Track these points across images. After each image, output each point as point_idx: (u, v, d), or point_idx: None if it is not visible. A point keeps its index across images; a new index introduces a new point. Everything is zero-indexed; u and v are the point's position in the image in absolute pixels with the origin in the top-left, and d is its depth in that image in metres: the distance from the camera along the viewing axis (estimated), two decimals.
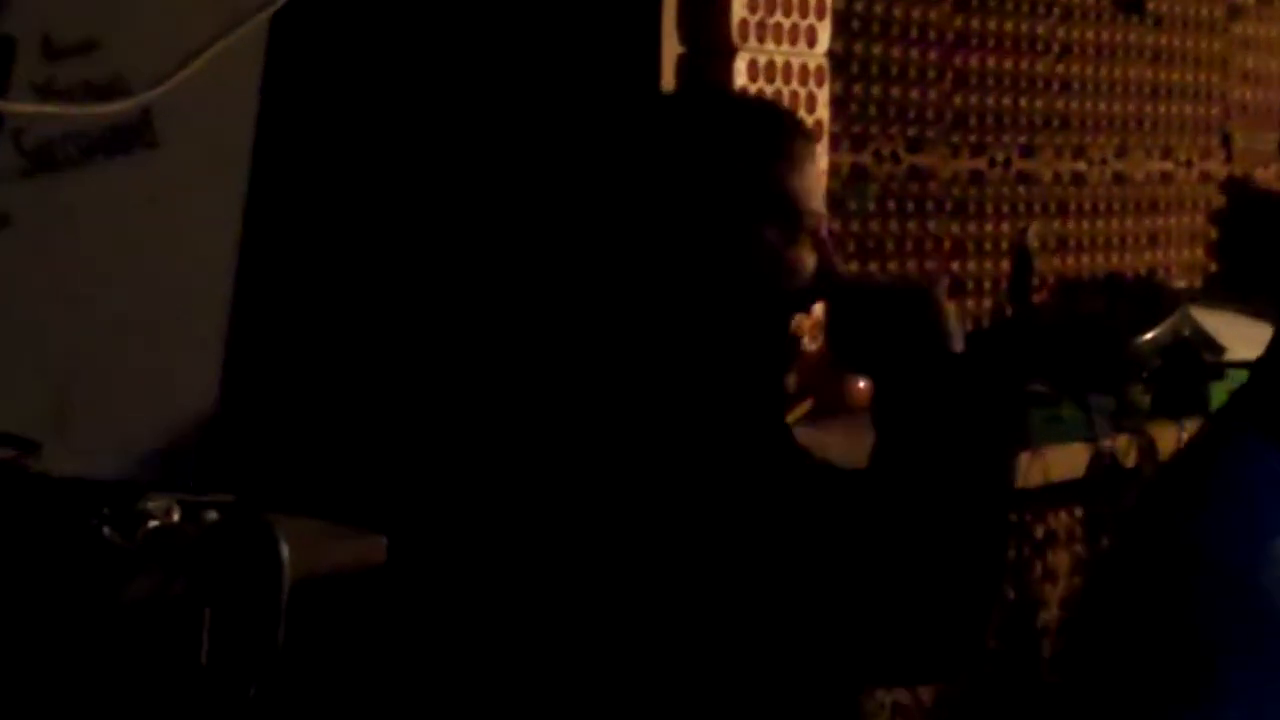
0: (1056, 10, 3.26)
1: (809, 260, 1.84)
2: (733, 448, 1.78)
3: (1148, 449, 2.96)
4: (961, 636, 1.79)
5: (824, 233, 1.87)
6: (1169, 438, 2.98)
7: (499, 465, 1.81)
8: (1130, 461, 2.94)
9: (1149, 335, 3.04)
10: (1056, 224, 3.30)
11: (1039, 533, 3.10)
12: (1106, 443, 2.91)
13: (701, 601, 1.71)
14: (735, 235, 1.81)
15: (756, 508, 1.73)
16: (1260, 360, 1.91)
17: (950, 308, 1.84)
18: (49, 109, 1.80)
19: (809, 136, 1.98)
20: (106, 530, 1.56)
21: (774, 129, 1.91)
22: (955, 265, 3.09)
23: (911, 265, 3.01)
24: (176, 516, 1.62)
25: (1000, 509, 1.82)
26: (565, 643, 1.76)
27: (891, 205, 2.98)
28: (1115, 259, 3.42)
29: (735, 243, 1.81)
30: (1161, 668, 1.69)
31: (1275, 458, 1.72)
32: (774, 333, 1.85)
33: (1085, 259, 3.36)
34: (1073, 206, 3.34)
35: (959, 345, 1.80)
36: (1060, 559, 3.15)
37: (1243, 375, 3.10)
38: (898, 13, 2.96)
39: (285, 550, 1.62)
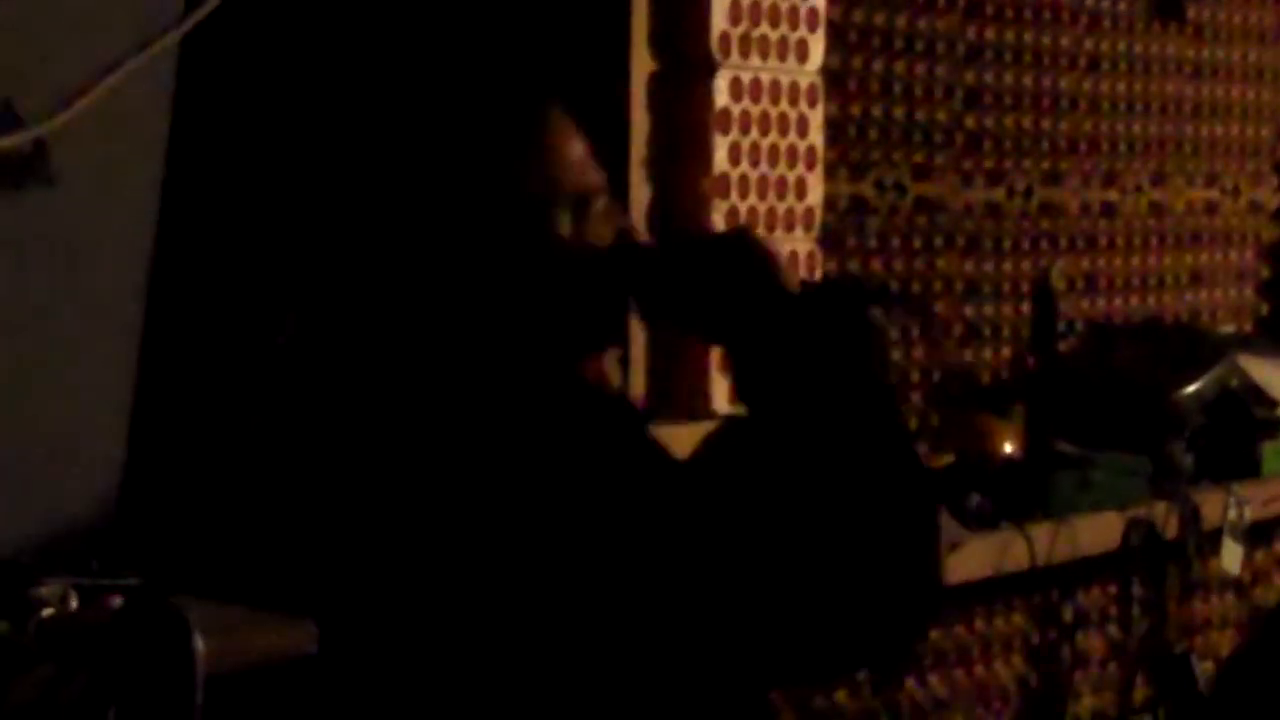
0: (1083, 19, 3.23)
1: (599, 235, 1.87)
2: (544, 439, 1.79)
3: (1191, 517, 2.93)
4: (894, 605, 1.72)
5: (603, 202, 1.87)
6: (1215, 504, 2.99)
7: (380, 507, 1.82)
8: (1171, 532, 2.92)
9: (1191, 388, 3.02)
10: (1085, 261, 3.27)
11: (1067, 614, 3.06)
12: (1143, 511, 2.87)
13: (559, 606, 1.72)
14: (511, 228, 1.84)
15: (580, 498, 1.75)
16: None
17: (773, 248, 1.83)
18: None
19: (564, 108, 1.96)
20: None
21: (524, 114, 1.89)
22: (969, 309, 3.04)
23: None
24: (74, 604, 1.63)
25: (897, 442, 1.77)
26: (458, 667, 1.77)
27: (896, 241, 2.92)
28: (1153, 300, 3.38)
29: (512, 237, 1.84)
30: None
31: None
32: (581, 315, 1.86)
33: (1118, 301, 3.33)
34: (1103, 241, 3.30)
35: (794, 284, 1.80)
36: (1093, 642, 3.12)
37: None
38: (901, 23, 2.93)
39: (200, 640, 1.62)
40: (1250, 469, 3.05)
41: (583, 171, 1.88)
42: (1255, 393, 3.08)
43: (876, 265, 2.91)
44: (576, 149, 1.90)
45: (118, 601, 1.63)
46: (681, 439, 1.98)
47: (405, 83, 2.15)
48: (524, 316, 1.84)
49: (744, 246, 1.82)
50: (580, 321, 1.86)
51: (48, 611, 1.58)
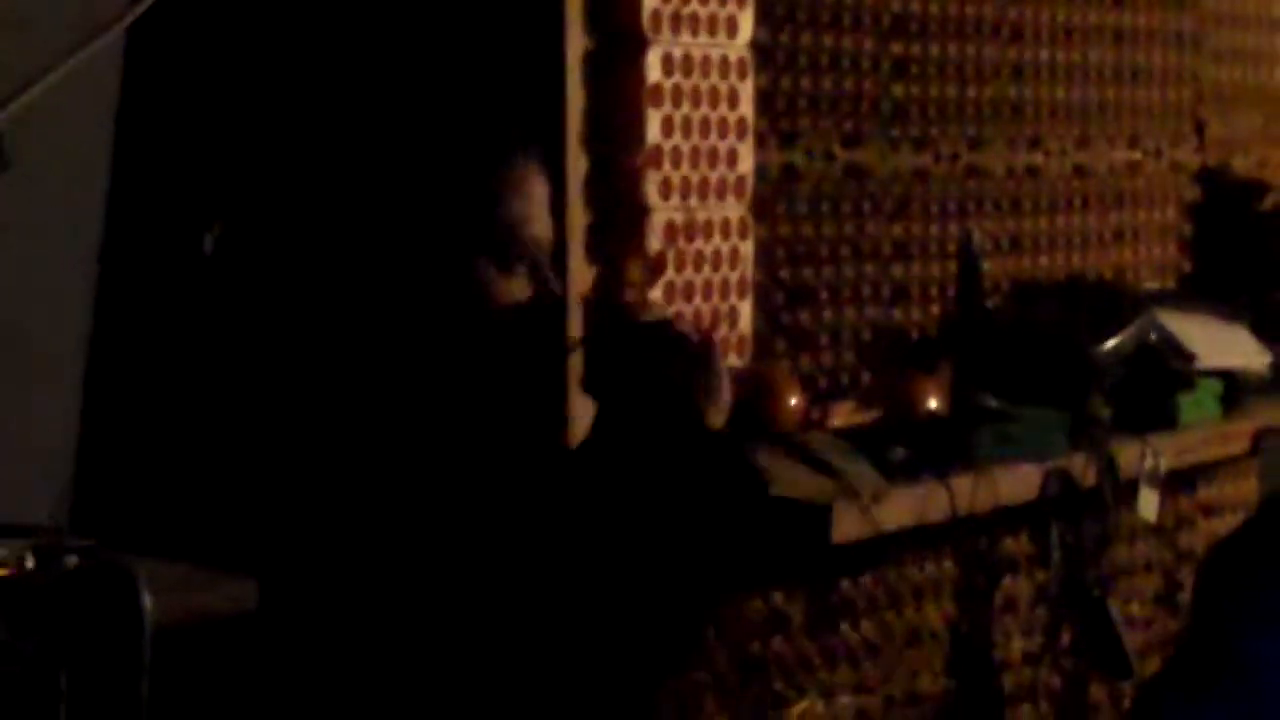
0: None
1: (519, 290, 2.04)
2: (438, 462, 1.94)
3: (1107, 467, 2.96)
4: None
5: (540, 259, 2.04)
6: (1131, 455, 3.03)
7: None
8: (1088, 481, 2.95)
9: (1110, 343, 3.05)
10: (1010, 223, 3.30)
11: (993, 560, 3.10)
12: (1062, 462, 2.91)
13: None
14: (446, 267, 2.02)
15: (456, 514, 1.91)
16: None
17: (718, 358, 2.07)
18: None
19: (531, 156, 2.12)
20: None
21: (491, 152, 2.07)
22: (897, 270, 3.08)
23: (849, 271, 3.00)
24: (30, 564, 1.62)
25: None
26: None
27: (825, 207, 2.95)
28: (1076, 259, 3.41)
29: (446, 275, 2.02)
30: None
31: None
32: (491, 358, 2.03)
33: (1043, 260, 3.36)
34: (1028, 204, 3.34)
35: (718, 417, 2.05)
36: (1020, 587, 3.16)
37: (1214, 383, 3.17)
38: None
39: (147, 597, 1.63)
40: (1167, 421, 3.08)
41: (534, 220, 2.05)
42: (1174, 347, 3.13)
43: (807, 230, 2.92)
44: (538, 194, 2.07)
45: (72, 560, 1.62)
46: None
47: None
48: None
49: (682, 350, 2.04)
50: (483, 359, 2.03)
51: (3, 571, 1.58)
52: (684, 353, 2.06)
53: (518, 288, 2.05)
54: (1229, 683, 1.79)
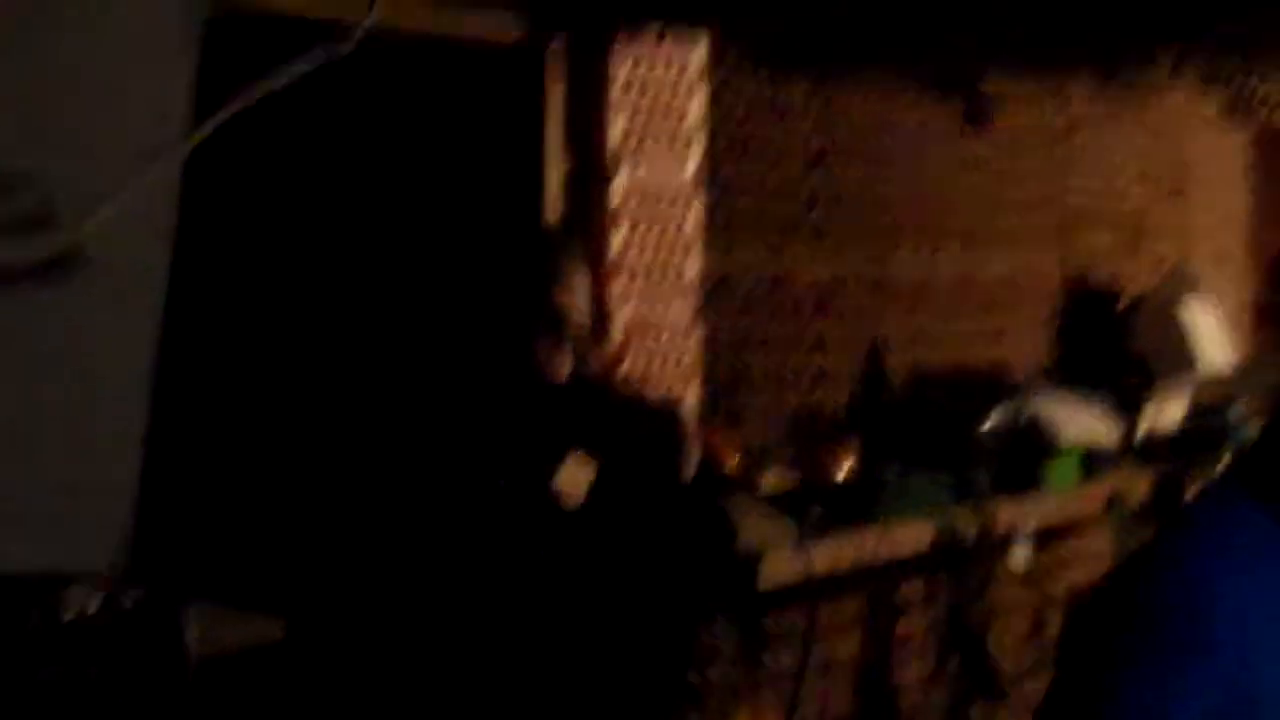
0: (909, 128, 3.25)
1: (566, 364, 2.04)
2: (469, 528, 1.96)
3: (986, 525, 2.99)
4: None
5: (584, 341, 2.06)
6: (1007, 514, 3.05)
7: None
8: (971, 535, 2.97)
9: (990, 422, 3.09)
10: (911, 323, 3.29)
11: (892, 601, 3.14)
12: (949, 519, 2.94)
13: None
14: (508, 345, 2.03)
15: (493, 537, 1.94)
16: (1260, 434, 1.96)
17: (687, 430, 2.09)
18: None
19: (580, 260, 2.14)
20: (29, 619, 1.54)
21: (549, 256, 2.07)
22: (816, 360, 3.08)
23: (776, 360, 3.01)
24: (93, 606, 1.59)
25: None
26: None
27: (760, 304, 2.95)
28: (963, 353, 3.41)
29: (507, 351, 2.02)
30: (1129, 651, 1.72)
31: (1263, 518, 1.78)
32: (538, 416, 2.03)
33: (935, 353, 3.35)
34: (924, 303, 3.32)
35: (688, 470, 2.09)
36: (914, 623, 3.19)
37: (1075, 454, 3.25)
38: (763, 133, 2.93)
39: (193, 633, 1.63)
40: (1035, 483, 3.10)
41: (579, 309, 2.07)
42: (1040, 426, 3.15)
43: (745, 324, 2.91)
44: (577, 291, 2.08)
45: (129, 602, 1.60)
46: None
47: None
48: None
49: (667, 423, 2.09)
50: (539, 430, 2.06)
51: (71, 612, 1.55)
52: (667, 422, 2.12)
53: (565, 362, 2.07)
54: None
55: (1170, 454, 3.35)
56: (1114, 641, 1.79)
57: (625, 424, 2.09)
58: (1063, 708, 1.81)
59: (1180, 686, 1.73)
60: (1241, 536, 1.84)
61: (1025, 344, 3.61)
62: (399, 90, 2.58)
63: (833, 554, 2.70)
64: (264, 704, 1.98)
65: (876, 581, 3.07)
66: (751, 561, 2.53)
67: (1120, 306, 3.69)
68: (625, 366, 2.63)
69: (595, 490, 2.07)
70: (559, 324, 2.04)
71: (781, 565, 2.57)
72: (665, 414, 2.12)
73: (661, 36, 2.62)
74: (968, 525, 2.96)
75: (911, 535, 2.87)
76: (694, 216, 2.73)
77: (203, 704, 1.62)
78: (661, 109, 2.65)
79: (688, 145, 2.71)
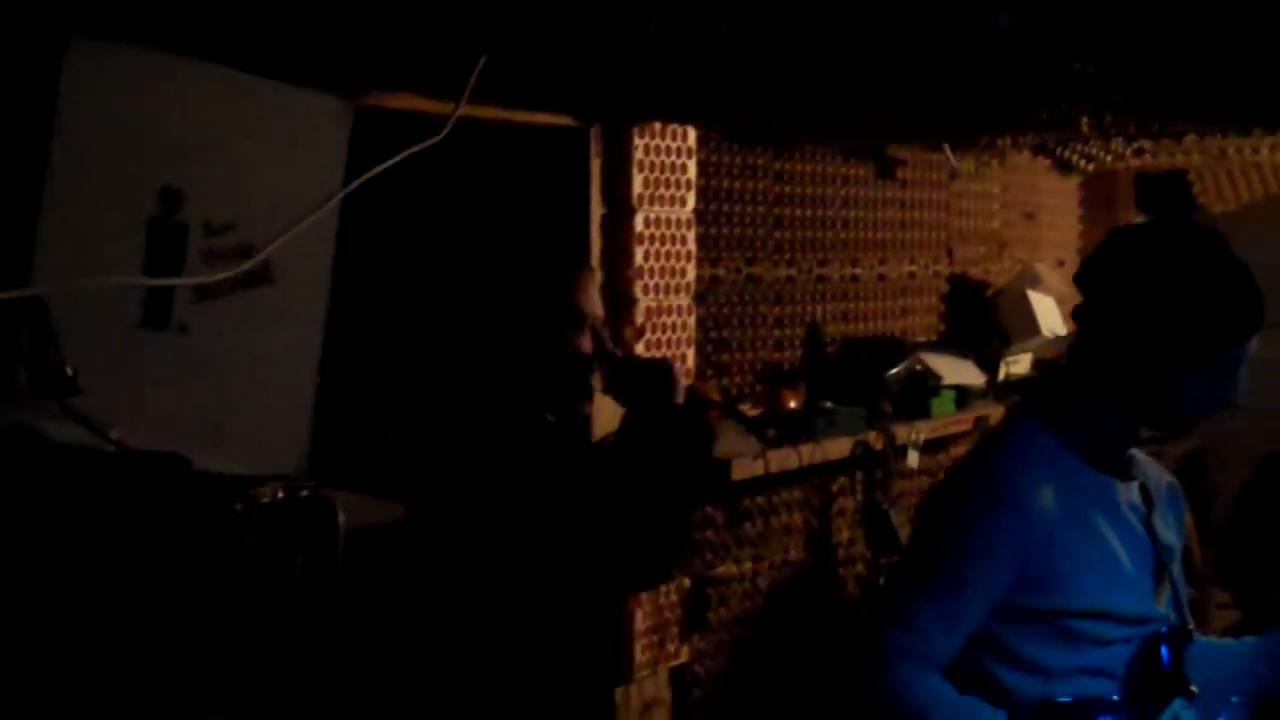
0: (839, 180, 3.23)
1: (588, 344, 1.94)
2: (531, 446, 1.87)
3: (890, 439, 2.97)
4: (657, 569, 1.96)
5: (600, 326, 1.95)
6: (903, 433, 3.02)
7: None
8: (879, 447, 2.95)
9: (894, 370, 3.06)
10: (842, 306, 3.26)
11: (829, 490, 3.11)
12: (863, 436, 2.92)
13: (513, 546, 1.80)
14: (547, 333, 1.92)
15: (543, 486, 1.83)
16: (1044, 374, 1.93)
17: (678, 373, 1.93)
18: (211, 273, 1.72)
19: (593, 271, 2.07)
20: (237, 506, 1.48)
21: (570, 273, 1.98)
22: (775, 332, 3.05)
23: (749, 333, 2.97)
24: (280, 495, 1.52)
25: (679, 501, 1.90)
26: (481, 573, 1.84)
27: (737, 297, 2.94)
28: (879, 326, 3.38)
29: (546, 337, 1.92)
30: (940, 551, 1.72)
31: (1043, 428, 1.77)
32: (573, 385, 1.93)
33: (859, 326, 3.32)
34: (851, 295, 3.29)
35: (680, 398, 1.91)
36: (845, 504, 3.17)
37: (951, 392, 3.20)
38: (737, 185, 2.91)
39: (341, 516, 1.54)
40: (924, 413, 3.08)
41: (595, 305, 1.97)
42: (929, 373, 3.13)
43: (727, 310, 2.87)
44: (595, 290, 2.00)
45: (304, 494, 1.47)
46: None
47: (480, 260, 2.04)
48: (543, 379, 1.91)
49: (662, 370, 1.94)
50: (573, 383, 1.94)
51: (264, 500, 1.43)
52: (660, 369, 1.99)
53: (586, 342, 1.96)
54: (931, 565, 1.75)
55: (1018, 392, 3.26)
56: (953, 500, 1.79)
57: (641, 376, 1.97)
58: (924, 534, 1.83)
59: (997, 524, 1.71)
60: (1029, 440, 1.82)
61: (923, 321, 3.55)
62: (490, 161, 2.56)
63: (783, 459, 2.69)
64: (390, 568, 1.90)
65: (819, 477, 3.05)
66: (726, 463, 2.52)
67: (988, 294, 3.63)
68: (645, 338, 2.61)
69: (623, 423, 1.99)
70: (579, 316, 1.95)
71: (747, 466, 2.56)
72: (664, 368, 1.98)
73: (665, 124, 2.60)
74: (876, 440, 2.93)
75: (837, 448, 2.85)
76: (691, 240, 2.70)
77: (349, 564, 1.53)
78: (667, 170, 2.62)
79: (686, 193, 2.68)
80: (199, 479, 1.44)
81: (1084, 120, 2.38)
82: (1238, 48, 1.74)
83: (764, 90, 2.10)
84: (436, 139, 1.96)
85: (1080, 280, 1.87)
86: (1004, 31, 1.65)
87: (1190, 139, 2.83)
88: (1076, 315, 1.90)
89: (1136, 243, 1.84)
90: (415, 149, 1.93)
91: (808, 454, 2.73)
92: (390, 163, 1.92)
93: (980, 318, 3.51)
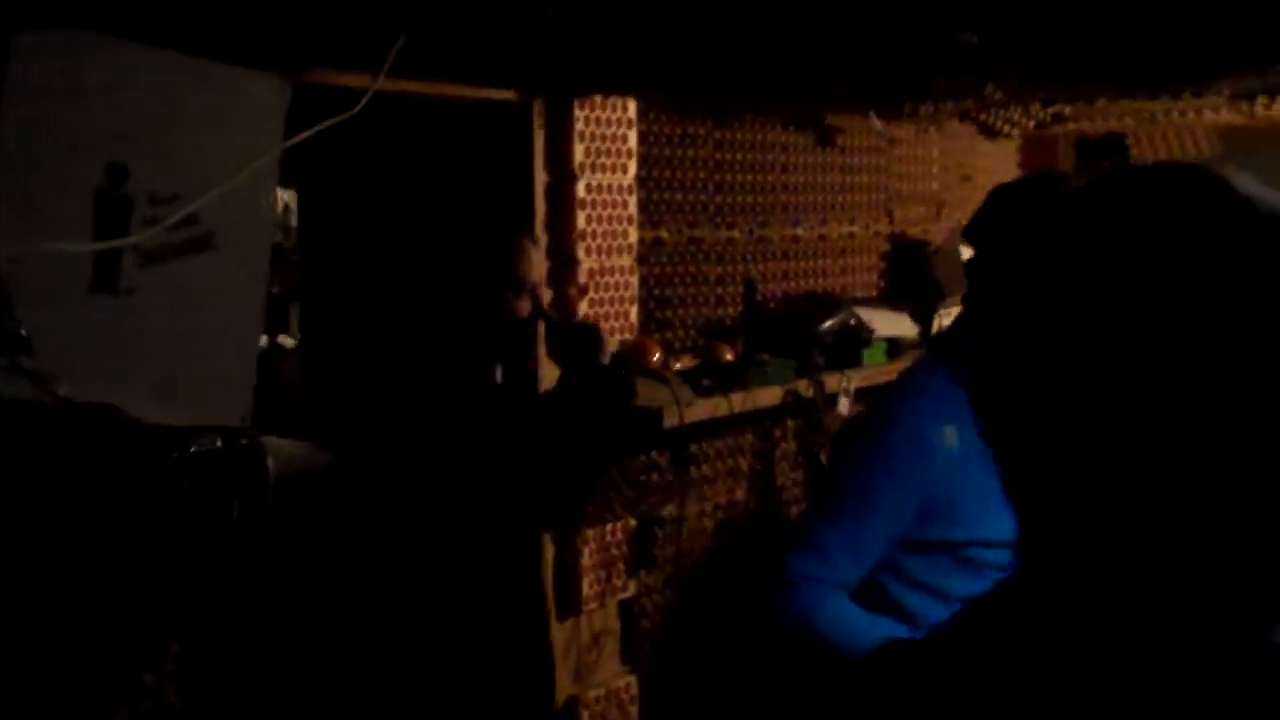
0: (779, 147, 3.22)
1: (527, 307, 2.01)
2: (475, 401, 1.94)
3: (819, 388, 2.98)
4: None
5: (539, 291, 2.01)
6: (835, 382, 3.04)
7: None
8: (810, 395, 2.96)
9: (827, 323, 3.07)
10: (783, 265, 3.25)
11: (767, 435, 3.13)
12: (794, 385, 2.93)
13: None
14: (489, 296, 1.99)
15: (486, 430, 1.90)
16: (953, 323, 1.98)
17: (605, 336, 1.98)
18: (155, 233, 1.74)
19: (534, 240, 2.10)
20: (173, 454, 1.45)
21: (511, 240, 2.02)
22: (716, 291, 3.06)
23: (690, 291, 2.98)
24: (218, 443, 1.48)
25: (599, 446, 1.97)
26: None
27: (677, 258, 2.96)
28: (820, 283, 3.37)
29: (489, 300, 1.98)
30: (852, 480, 1.78)
31: (943, 374, 1.81)
32: (512, 341, 2.01)
33: (799, 283, 3.32)
34: (793, 254, 3.31)
35: (606, 359, 1.98)
36: (785, 447, 3.19)
37: (882, 344, 3.23)
38: (679, 152, 2.92)
39: (270, 462, 1.53)
40: (856, 363, 3.07)
41: (535, 270, 2.03)
42: (861, 326, 3.12)
43: (669, 270, 2.89)
44: (533, 260, 2.04)
45: (243, 441, 1.42)
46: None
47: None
48: (493, 337, 1.98)
49: (591, 331, 2.00)
50: (514, 343, 2.02)
51: (196, 448, 1.37)
52: (589, 332, 2.05)
53: (525, 306, 2.02)
54: (836, 494, 1.81)
55: None
56: (858, 434, 1.87)
57: (571, 338, 2.04)
58: (834, 467, 1.90)
59: (898, 454, 1.77)
60: (926, 377, 1.87)
61: (863, 279, 3.56)
62: (441, 135, 2.59)
63: (713, 406, 2.72)
64: (317, 509, 1.91)
65: (761, 423, 3.09)
66: (657, 412, 2.55)
67: (926, 252, 3.63)
68: (589, 296, 2.63)
69: (560, 379, 2.05)
70: (519, 281, 2.00)
71: (674, 414, 2.57)
72: (592, 331, 2.03)
73: (606, 96, 2.62)
74: (807, 389, 2.95)
75: (768, 396, 2.88)
76: (633, 204, 2.71)
77: (278, 507, 1.52)
78: (608, 140, 2.64)
79: (627, 161, 2.69)
80: (135, 429, 1.43)
81: (989, 88, 2.41)
82: (1114, 16, 1.77)
83: (693, 64, 2.14)
84: (352, 112, 1.98)
85: (967, 235, 1.92)
86: (894, 3, 1.68)
87: (1103, 102, 2.84)
88: (967, 268, 1.94)
89: (1013, 200, 1.89)
90: (330, 122, 1.95)
91: (739, 402, 2.75)
92: (307, 134, 1.95)
93: (918, 275, 3.53)
